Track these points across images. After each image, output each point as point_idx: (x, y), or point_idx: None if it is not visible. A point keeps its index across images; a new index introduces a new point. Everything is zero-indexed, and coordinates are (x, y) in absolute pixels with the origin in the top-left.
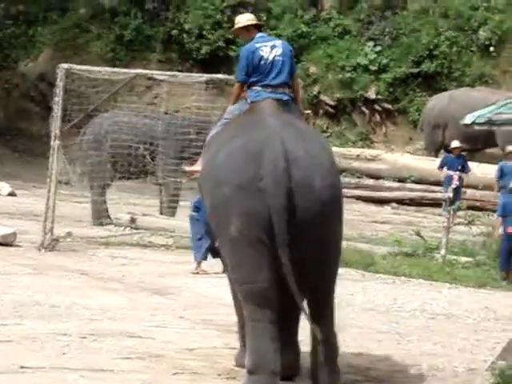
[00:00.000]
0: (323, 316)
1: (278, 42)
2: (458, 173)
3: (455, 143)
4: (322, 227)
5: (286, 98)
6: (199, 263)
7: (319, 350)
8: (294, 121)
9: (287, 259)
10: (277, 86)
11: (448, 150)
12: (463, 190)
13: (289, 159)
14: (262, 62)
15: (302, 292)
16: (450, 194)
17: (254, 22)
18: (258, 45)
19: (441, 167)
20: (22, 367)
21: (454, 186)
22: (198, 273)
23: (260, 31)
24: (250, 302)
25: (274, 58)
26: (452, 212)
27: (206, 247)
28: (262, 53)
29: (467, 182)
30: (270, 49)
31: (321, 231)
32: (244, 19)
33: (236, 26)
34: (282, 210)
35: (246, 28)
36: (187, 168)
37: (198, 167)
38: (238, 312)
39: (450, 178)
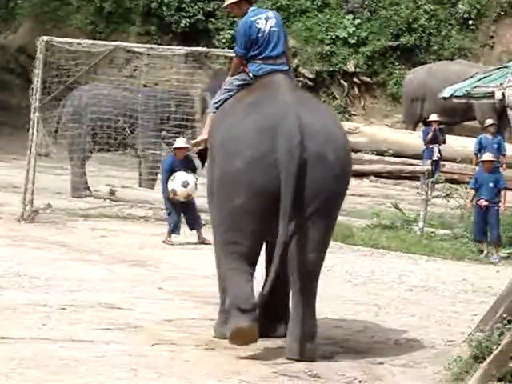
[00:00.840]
0: (309, 289)
1: (271, 14)
2: (437, 145)
3: (433, 116)
4: (331, 200)
5: (285, 67)
6: (169, 234)
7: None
8: (306, 96)
9: (286, 229)
10: (276, 57)
11: (426, 123)
12: (442, 163)
13: (304, 133)
14: (260, 35)
15: (295, 261)
16: (429, 167)
17: None
18: (252, 18)
19: (425, 142)
20: (1, 338)
21: (435, 157)
22: (164, 242)
23: (251, 5)
24: (232, 259)
25: (270, 29)
26: (430, 185)
27: (174, 223)
28: (258, 25)
29: (445, 156)
30: (265, 21)
31: (329, 204)
32: None
33: (227, 2)
34: (292, 180)
35: (237, 3)
36: (193, 141)
37: (203, 136)
38: (221, 283)
39: (430, 150)
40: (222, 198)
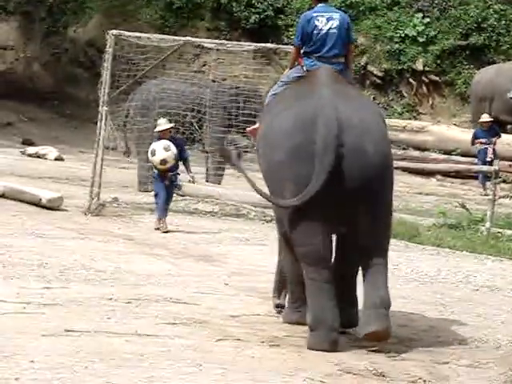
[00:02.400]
0: (377, 277)
1: (336, 15)
2: (491, 146)
3: (485, 117)
4: (373, 192)
5: (339, 67)
6: (159, 220)
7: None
8: (348, 89)
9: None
10: (330, 57)
11: (495, 123)
12: (508, 163)
13: (341, 126)
14: (316, 32)
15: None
16: (497, 167)
17: None
18: (314, 14)
19: (473, 142)
20: (67, 330)
21: (488, 159)
22: (159, 229)
23: (322, 1)
24: (306, 263)
25: (328, 29)
26: (486, 184)
27: (161, 204)
28: (316, 22)
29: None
30: (326, 20)
31: (371, 196)
32: None
33: None
34: (323, 173)
35: None
36: (248, 128)
37: (257, 124)
38: (287, 269)
39: (484, 151)
40: (274, 193)
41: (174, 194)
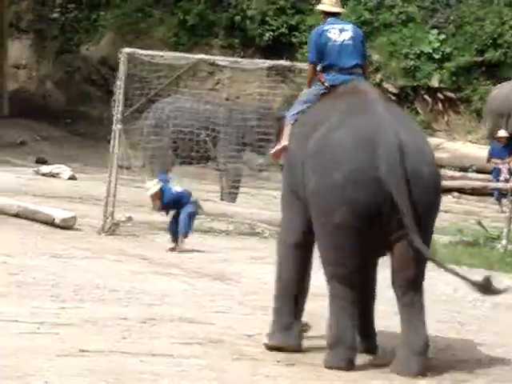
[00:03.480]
0: (418, 309)
1: (348, 26)
2: (506, 165)
3: (501, 132)
4: (429, 216)
5: (362, 79)
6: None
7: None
8: (396, 107)
9: (421, 244)
10: (351, 67)
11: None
12: None
13: (402, 150)
14: (330, 44)
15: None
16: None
17: (335, 9)
18: (326, 27)
19: (489, 158)
20: (81, 350)
21: (502, 178)
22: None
23: (332, 16)
24: (337, 283)
25: (343, 41)
26: (502, 202)
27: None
28: (329, 35)
29: None
30: (339, 32)
31: (427, 220)
32: (329, 1)
33: (320, 7)
34: (404, 195)
35: (324, 12)
36: (272, 150)
37: (283, 143)
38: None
39: (498, 170)
40: (320, 212)
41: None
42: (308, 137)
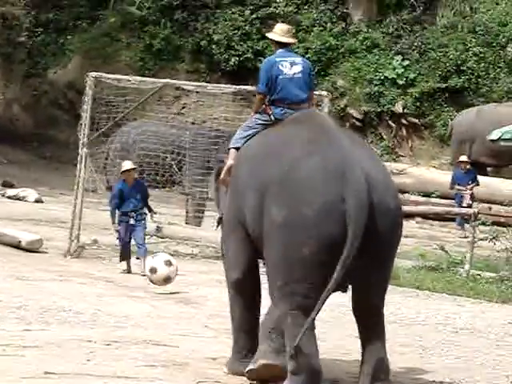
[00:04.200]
0: (378, 334)
1: (298, 59)
2: (468, 192)
3: (463, 158)
4: (392, 248)
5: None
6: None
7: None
8: (357, 138)
9: (339, 276)
10: (299, 102)
11: (475, 165)
12: (488, 205)
13: (369, 184)
14: (281, 77)
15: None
16: (476, 210)
17: (286, 39)
18: (277, 59)
19: (452, 184)
20: (46, 373)
21: (465, 204)
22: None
23: (283, 47)
24: (298, 311)
25: (293, 74)
26: (464, 227)
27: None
28: (281, 67)
29: (492, 199)
30: (290, 65)
31: (390, 252)
32: (280, 31)
33: (270, 36)
34: (359, 234)
35: (272, 42)
36: (221, 177)
37: (230, 162)
38: (235, 316)
39: (460, 195)
40: (286, 245)
41: (154, 236)
42: (264, 165)
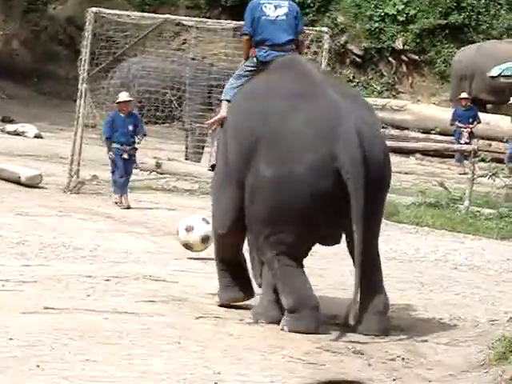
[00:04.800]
0: (375, 272)
1: (285, 3)
2: (467, 129)
3: (463, 94)
4: (382, 196)
5: (295, 55)
6: (120, 197)
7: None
8: (345, 86)
9: (361, 236)
10: (283, 44)
11: (475, 102)
12: (487, 142)
13: (361, 138)
14: (263, 18)
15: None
16: (476, 146)
17: None
18: (262, 1)
19: (452, 121)
20: (46, 308)
21: (463, 142)
22: (117, 204)
23: None
24: (284, 256)
25: (277, 16)
26: (463, 163)
27: (118, 181)
28: (264, 9)
29: (492, 135)
30: (274, 7)
31: (382, 196)
32: None
33: None
34: (361, 192)
35: None
36: (209, 120)
37: (222, 114)
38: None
39: (460, 132)
40: (277, 199)
41: (153, 172)
42: (251, 119)
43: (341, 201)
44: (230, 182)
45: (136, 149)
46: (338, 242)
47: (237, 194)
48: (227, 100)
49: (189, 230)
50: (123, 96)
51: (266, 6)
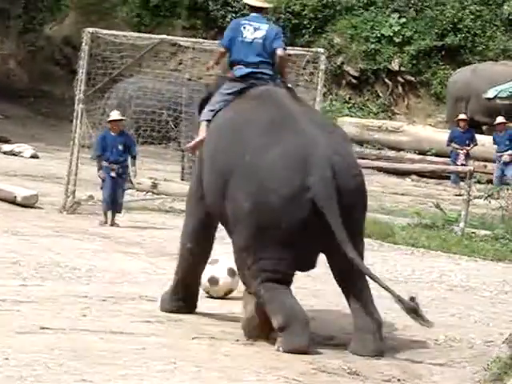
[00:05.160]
0: (362, 291)
1: (264, 26)
2: (464, 151)
3: (462, 116)
4: (361, 215)
5: (269, 72)
6: (105, 214)
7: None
8: (318, 115)
9: (355, 255)
10: (257, 63)
11: (471, 125)
12: (483, 164)
13: (332, 166)
14: (239, 40)
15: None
16: (472, 168)
17: (259, 4)
18: (243, 21)
19: (449, 142)
20: (42, 328)
21: (459, 163)
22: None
23: (256, 11)
24: (268, 283)
25: (254, 39)
26: (459, 184)
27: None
28: (243, 30)
29: (487, 157)
30: (253, 30)
31: (359, 218)
32: None
33: (245, 0)
34: (337, 218)
35: (250, 6)
36: (188, 145)
37: (201, 137)
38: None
39: (456, 154)
40: (254, 230)
41: (149, 193)
42: (228, 149)
43: (318, 227)
44: (202, 206)
45: (127, 167)
46: (313, 266)
47: (206, 220)
48: (207, 120)
49: (213, 282)
50: (114, 115)
51: (246, 27)
